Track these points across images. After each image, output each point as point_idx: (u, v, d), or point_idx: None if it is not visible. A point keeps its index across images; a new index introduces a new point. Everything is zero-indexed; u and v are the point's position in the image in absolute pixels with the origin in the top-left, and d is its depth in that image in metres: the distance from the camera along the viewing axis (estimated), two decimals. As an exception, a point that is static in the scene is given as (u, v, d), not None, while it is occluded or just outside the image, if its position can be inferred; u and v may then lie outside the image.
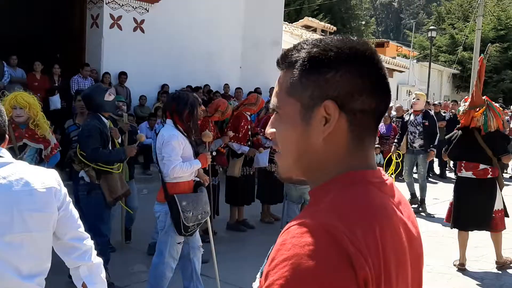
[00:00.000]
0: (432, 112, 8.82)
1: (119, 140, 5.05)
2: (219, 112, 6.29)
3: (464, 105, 5.81)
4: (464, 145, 5.61)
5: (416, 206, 8.53)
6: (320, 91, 0.92)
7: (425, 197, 8.59)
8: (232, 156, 6.81)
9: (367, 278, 0.82)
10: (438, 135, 8.42)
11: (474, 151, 5.48)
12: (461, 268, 5.64)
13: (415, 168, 9.18)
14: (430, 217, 8.14)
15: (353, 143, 0.95)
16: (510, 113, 13.76)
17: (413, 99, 8.70)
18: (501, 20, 32.77)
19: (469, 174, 5.58)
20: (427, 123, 8.22)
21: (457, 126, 6.08)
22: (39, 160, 4.33)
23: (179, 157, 3.90)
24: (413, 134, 8.37)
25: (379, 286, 0.84)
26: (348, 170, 0.95)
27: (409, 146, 8.48)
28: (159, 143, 3.97)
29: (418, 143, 8.35)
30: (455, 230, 7.27)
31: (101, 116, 4.49)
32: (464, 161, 5.62)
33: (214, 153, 5.33)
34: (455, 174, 12.47)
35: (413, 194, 8.80)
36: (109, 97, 4.53)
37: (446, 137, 6.25)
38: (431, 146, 8.26)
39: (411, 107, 12.57)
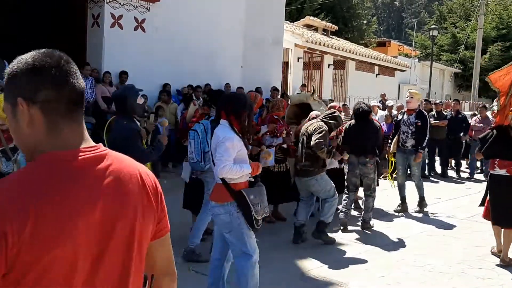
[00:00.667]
0: (425, 112, 8.51)
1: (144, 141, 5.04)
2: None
3: (496, 104, 5.87)
4: (499, 143, 5.67)
5: (401, 210, 8.16)
6: (14, 93, 1.28)
7: (424, 194, 8.35)
8: None
9: (6, 231, 1.12)
10: (428, 136, 8.04)
11: (509, 149, 5.57)
12: (497, 254, 5.92)
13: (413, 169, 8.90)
14: (431, 217, 8.11)
15: (49, 127, 1.27)
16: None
17: (407, 97, 8.39)
18: (503, 19, 32.71)
19: (503, 172, 5.63)
20: (419, 123, 7.98)
21: (491, 126, 6.13)
22: None
23: (231, 159, 3.86)
24: (405, 133, 8.09)
25: (20, 236, 1.13)
26: (49, 150, 1.26)
27: (401, 145, 8.19)
28: (214, 143, 3.94)
29: (410, 143, 8.07)
30: (456, 230, 7.27)
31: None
32: (497, 159, 5.66)
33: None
34: (457, 173, 12.48)
35: (403, 198, 8.25)
36: (140, 100, 4.56)
37: (480, 136, 6.16)
38: (420, 147, 7.95)
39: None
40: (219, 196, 3.93)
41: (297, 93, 11.85)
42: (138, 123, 4.61)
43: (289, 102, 8.93)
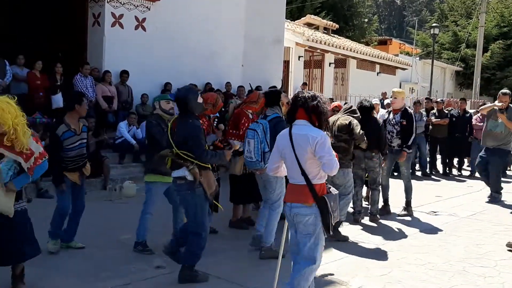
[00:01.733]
0: (410, 110, 8.04)
1: None
2: (209, 105, 6.25)
3: None
4: None
5: (384, 212, 7.87)
6: None
7: (411, 199, 7.99)
8: (234, 154, 6.75)
9: None
10: (414, 134, 7.77)
11: None
12: None
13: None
14: (432, 215, 8.11)
15: None
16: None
17: (391, 97, 8.30)
18: (504, 17, 32.64)
19: None
20: (404, 122, 7.75)
21: None
22: (20, 170, 4.08)
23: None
24: (390, 133, 7.84)
25: None
26: None
27: (388, 145, 7.83)
28: (310, 144, 3.79)
29: (396, 142, 7.81)
30: (457, 228, 7.27)
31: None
32: None
33: (211, 147, 5.31)
34: (459, 171, 12.47)
35: (386, 200, 8.04)
36: (200, 99, 4.80)
37: None
38: (404, 146, 7.70)
39: (414, 104, 12.56)
40: (305, 197, 3.84)
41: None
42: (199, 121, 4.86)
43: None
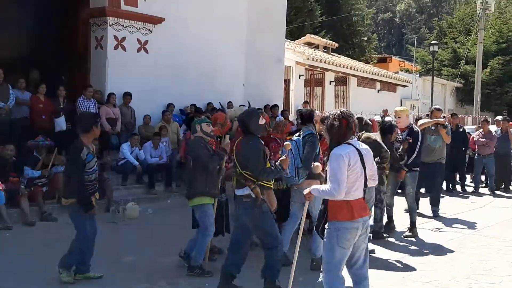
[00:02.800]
0: (417, 128, 7.93)
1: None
2: (218, 124, 6.32)
3: None
4: None
5: (388, 229, 7.80)
6: None
7: (415, 220, 7.77)
8: None
9: None
10: (415, 154, 7.61)
11: None
12: None
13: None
14: (436, 232, 8.08)
15: None
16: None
17: (394, 117, 8.08)
18: (502, 33, 32.87)
19: None
20: (410, 140, 7.65)
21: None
22: None
23: None
24: (398, 151, 7.65)
25: None
26: None
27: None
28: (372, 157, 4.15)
29: (403, 160, 7.67)
30: (462, 245, 7.23)
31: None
32: None
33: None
34: (462, 187, 12.43)
35: (390, 218, 7.92)
36: (262, 121, 5.01)
37: None
38: (405, 164, 7.61)
39: (416, 120, 12.57)
40: (350, 213, 3.93)
41: (240, 106, 11.97)
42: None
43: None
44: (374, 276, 5.75)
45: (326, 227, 4.00)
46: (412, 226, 7.73)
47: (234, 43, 13.18)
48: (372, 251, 6.62)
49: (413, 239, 7.58)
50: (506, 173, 12.65)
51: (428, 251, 6.92)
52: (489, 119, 14.28)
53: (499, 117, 13.77)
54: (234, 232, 5.18)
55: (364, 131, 6.83)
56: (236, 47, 13.25)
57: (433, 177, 9.24)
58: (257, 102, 13.09)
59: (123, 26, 11.03)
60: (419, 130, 7.92)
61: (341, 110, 4.06)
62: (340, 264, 3.97)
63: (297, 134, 6.03)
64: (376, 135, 6.98)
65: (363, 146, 4.09)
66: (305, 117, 5.96)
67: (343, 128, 3.96)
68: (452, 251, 6.88)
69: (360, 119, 7.07)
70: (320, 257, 5.65)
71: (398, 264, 6.25)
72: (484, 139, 12.25)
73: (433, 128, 9.21)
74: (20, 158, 8.44)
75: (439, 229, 8.26)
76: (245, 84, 13.62)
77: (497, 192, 12.18)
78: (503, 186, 12.60)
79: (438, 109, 9.58)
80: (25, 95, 9.87)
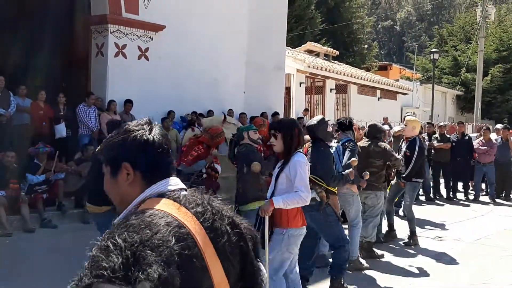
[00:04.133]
0: (418, 142, 7.73)
1: None
2: (207, 133, 6.36)
3: None
4: None
5: (388, 237, 7.83)
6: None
7: (415, 229, 7.72)
8: None
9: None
10: (411, 166, 7.50)
11: None
12: None
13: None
14: (437, 240, 8.05)
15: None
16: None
17: (405, 125, 8.06)
18: (503, 41, 32.92)
19: None
20: (408, 153, 7.60)
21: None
22: None
23: None
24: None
25: None
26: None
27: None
28: None
29: (404, 171, 7.61)
30: (463, 253, 7.21)
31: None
32: None
33: (204, 176, 5.43)
34: (465, 196, 12.39)
35: (390, 225, 7.92)
36: (330, 128, 5.36)
37: None
38: (402, 176, 7.59)
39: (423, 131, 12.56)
40: (302, 220, 4.35)
41: (215, 117, 11.76)
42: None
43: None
44: (375, 284, 5.73)
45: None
46: (412, 235, 7.68)
47: (234, 51, 13.19)
48: (382, 256, 6.71)
49: (413, 247, 7.55)
50: (507, 181, 12.64)
51: (429, 259, 6.89)
52: (490, 127, 14.26)
53: (499, 126, 13.77)
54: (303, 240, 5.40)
55: (373, 141, 6.94)
56: (236, 55, 13.27)
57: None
58: (258, 110, 13.10)
59: (124, 33, 11.05)
60: (418, 143, 7.71)
61: (296, 118, 4.30)
62: (285, 268, 4.26)
63: (335, 141, 6.38)
64: (385, 144, 7.02)
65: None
66: (345, 125, 6.27)
67: (299, 136, 4.28)
68: (453, 260, 6.85)
69: (373, 126, 7.24)
70: (356, 258, 6.18)
71: (398, 273, 6.22)
72: (485, 147, 12.24)
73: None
74: (20, 165, 8.44)
75: (440, 237, 8.23)
76: (245, 91, 13.63)
77: (497, 200, 12.17)
78: (503, 194, 12.59)
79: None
80: (26, 102, 9.88)
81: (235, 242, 1.34)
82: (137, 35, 11.27)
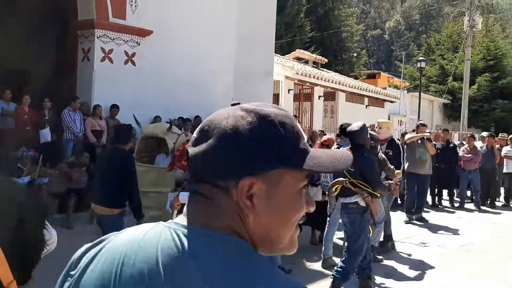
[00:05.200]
0: (398, 141, 8.00)
1: None
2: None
3: None
4: None
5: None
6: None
7: (391, 233, 7.71)
8: None
9: None
10: (403, 164, 7.89)
11: None
12: None
13: None
14: (421, 246, 8.07)
15: None
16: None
17: (376, 128, 8.22)
18: (490, 50, 33.24)
19: None
20: (390, 153, 7.56)
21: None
22: None
23: None
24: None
25: None
26: None
27: None
28: None
29: (383, 175, 7.34)
30: (447, 260, 7.23)
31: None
32: None
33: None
34: (450, 203, 12.43)
35: (387, 236, 7.74)
36: (368, 133, 5.57)
37: None
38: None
39: (402, 136, 12.65)
40: None
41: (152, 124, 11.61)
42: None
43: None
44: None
45: None
46: (386, 240, 7.65)
47: (223, 56, 13.20)
48: (381, 260, 6.90)
49: (398, 249, 7.59)
50: (492, 189, 12.73)
51: (412, 265, 6.90)
52: (476, 135, 14.38)
53: (484, 133, 13.88)
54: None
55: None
56: (225, 60, 13.27)
57: (424, 187, 10.29)
58: (245, 116, 13.09)
59: (110, 38, 11.02)
60: (399, 143, 8.06)
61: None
62: None
63: (336, 146, 6.78)
64: (380, 153, 7.04)
65: None
66: (344, 130, 6.40)
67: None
68: (437, 266, 6.86)
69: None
70: (329, 257, 6.63)
71: (382, 279, 6.22)
72: (470, 155, 12.33)
73: (419, 141, 9.91)
74: (3, 169, 8.35)
75: (424, 243, 8.25)
76: (233, 97, 13.61)
77: (482, 207, 12.24)
78: (488, 202, 12.67)
79: (423, 125, 10.45)
80: (11, 107, 9.81)
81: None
82: (124, 40, 11.24)
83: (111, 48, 11.01)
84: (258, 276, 0.85)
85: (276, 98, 17.47)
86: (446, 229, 9.57)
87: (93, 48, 10.82)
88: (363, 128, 5.44)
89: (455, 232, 9.33)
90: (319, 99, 21.03)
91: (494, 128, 27.55)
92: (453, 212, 11.72)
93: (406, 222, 9.84)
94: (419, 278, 6.30)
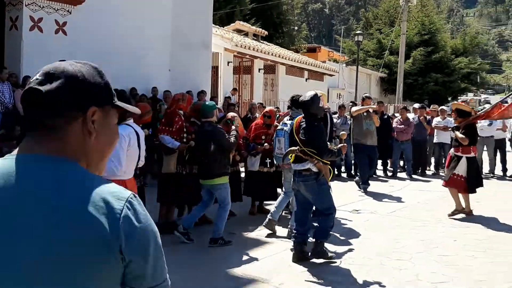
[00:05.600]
0: (328, 113, 8.44)
1: None
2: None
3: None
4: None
5: None
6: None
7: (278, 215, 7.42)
8: (166, 153, 6.83)
9: None
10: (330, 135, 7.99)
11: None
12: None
13: None
14: (354, 213, 8.34)
15: None
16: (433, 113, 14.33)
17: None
18: (424, 25, 34.23)
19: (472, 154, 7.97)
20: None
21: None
22: None
23: None
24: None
25: None
26: None
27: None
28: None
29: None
30: (377, 225, 7.53)
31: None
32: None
33: None
34: (384, 173, 12.88)
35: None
36: (322, 103, 5.69)
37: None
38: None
39: (339, 108, 12.91)
40: None
41: None
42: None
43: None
44: (290, 256, 5.85)
45: None
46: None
47: (158, 27, 12.89)
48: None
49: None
50: (423, 158, 13.26)
51: (344, 231, 7.13)
52: (409, 107, 14.88)
53: (416, 105, 14.36)
54: (297, 210, 5.88)
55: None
56: (160, 31, 12.98)
57: (372, 158, 10.79)
58: (183, 88, 12.92)
59: (39, 6, 10.53)
60: (330, 115, 8.72)
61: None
62: None
63: (288, 118, 6.93)
64: None
65: (139, 128, 4.92)
66: (296, 102, 6.63)
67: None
68: (367, 231, 7.12)
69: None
70: (275, 220, 6.89)
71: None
72: (402, 126, 12.76)
73: (365, 114, 10.43)
74: None
75: (357, 210, 8.53)
76: (170, 69, 13.41)
77: (414, 176, 12.76)
78: (419, 171, 13.20)
79: (369, 97, 11.00)
80: None
81: None
82: (54, 9, 10.77)
83: (40, 17, 10.52)
84: (88, 188, 1.13)
85: (215, 71, 17.32)
86: (379, 196, 9.93)
87: (21, 16, 10.31)
88: (315, 98, 5.59)
89: (387, 199, 9.69)
90: (259, 72, 21.04)
91: (428, 101, 28.60)
92: (386, 181, 12.16)
93: (362, 191, 10.29)
94: (349, 243, 6.52)
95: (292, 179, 5.98)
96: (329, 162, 5.74)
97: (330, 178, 5.78)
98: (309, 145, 5.50)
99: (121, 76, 11.73)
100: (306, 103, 5.62)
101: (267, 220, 6.86)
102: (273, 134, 7.49)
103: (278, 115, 8.71)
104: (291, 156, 5.71)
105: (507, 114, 8.59)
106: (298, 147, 5.58)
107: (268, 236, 6.80)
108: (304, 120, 5.65)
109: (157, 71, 12.87)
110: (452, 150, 8.37)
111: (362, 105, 10.73)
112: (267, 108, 8.71)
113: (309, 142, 5.50)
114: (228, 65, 18.96)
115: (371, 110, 10.65)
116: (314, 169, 5.52)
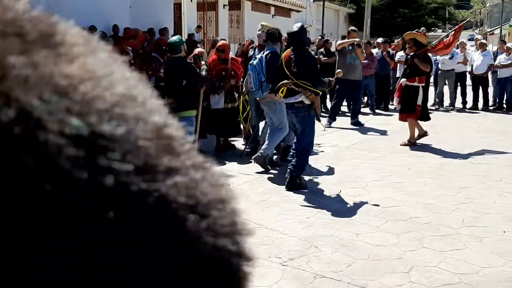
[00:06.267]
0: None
1: None
2: None
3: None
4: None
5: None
6: None
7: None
8: None
9: None
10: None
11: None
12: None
13: None
14: (316, 147, 8.53)
15: None
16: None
17: (258, 31, 7.71)
18: (393, -41, 33.83)
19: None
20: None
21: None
22: None
23: None
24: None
25: None
26: None
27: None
28: None
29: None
30: (337, 156, 7.74)
31: None
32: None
33: None
34: (348, 108, 13.02)
35: (257, 141, 7.57)
36: (307, 33, 5.79)
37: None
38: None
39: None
40: None
41: None
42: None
43: None
44: (248, 186, 6.02)
45: None
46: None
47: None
48: (281, 165, 6.92)
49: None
50: (386, 93, 13.45)
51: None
52: (372, 42, 14.91)
53: (380, 39, 14.40)
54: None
55: None
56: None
57: (357, 92, 10.90)
58: (145, 25, 12.65)
59: None
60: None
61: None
62: None
63: (257, 52, 6.90)
64: None
65: None
66: (274, 36, 6.64)
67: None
68: (327, 162, 7.33)
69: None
70: (267, 156, 6.73)
71: (273, 175, 6.57)
72: (366, 61, 12.82)
73: (350, 47, 10.34)
74: None
75: (318, 144, 8.69)
76: (131, 6, 13.07)
77: (377, 110, 12.98)
78: (382, 105, 13.42)
79: (354, 30, 10.95)
80: None
81: None
82: None
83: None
84: None
85: (177, 8, 16.91)
86: (342, 131, 10.13)
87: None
88: (302, 29, 5.63)
89: (348, 133, 9.90)
90: (224, 8, 20.64)
91: (395, 37, 28.65)
92: (349, 116, 12.34)
93: (327, 126, 9.58)
94: (309, 173, 6.72)
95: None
96: (320, 93, 5.89)
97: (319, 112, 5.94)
98: (302, 77, 5.53)
99: (79, 13, 11.38)
100: (294, 34, 5.64)
101: (258, 154, 6.60)
102: (231, 68, 7.45)
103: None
104: (282, 91, 5.71)
105: (437, 52, 8.77)
106: (290, 80, 5.59)
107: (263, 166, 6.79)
108: (293, 53, 5.65)
109: (118, 8, 12.53)
110: (403, 80, 8.37)
111: (348, 39, 10.62)
112: (220, 42, 8.24)
113: (302, 73, 5.52)
114: (191, 1, 18.51)
115: (355, 43, 10.50)
116: (307, 102, 5.61)
